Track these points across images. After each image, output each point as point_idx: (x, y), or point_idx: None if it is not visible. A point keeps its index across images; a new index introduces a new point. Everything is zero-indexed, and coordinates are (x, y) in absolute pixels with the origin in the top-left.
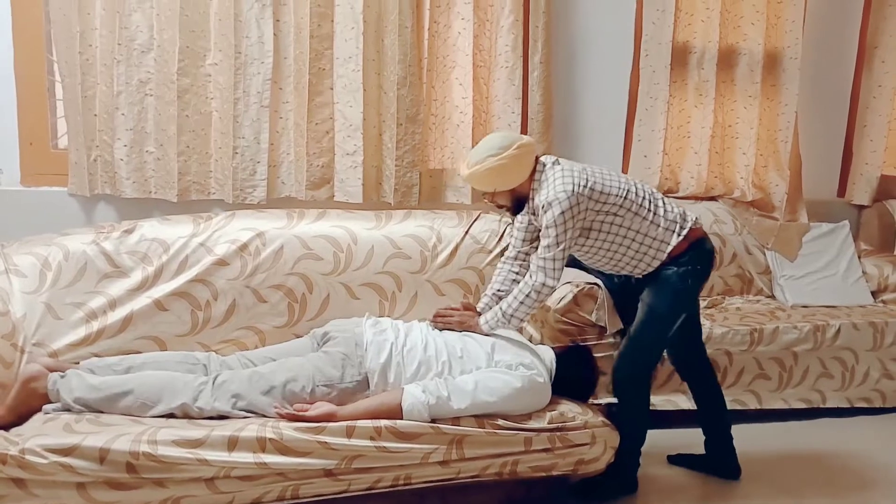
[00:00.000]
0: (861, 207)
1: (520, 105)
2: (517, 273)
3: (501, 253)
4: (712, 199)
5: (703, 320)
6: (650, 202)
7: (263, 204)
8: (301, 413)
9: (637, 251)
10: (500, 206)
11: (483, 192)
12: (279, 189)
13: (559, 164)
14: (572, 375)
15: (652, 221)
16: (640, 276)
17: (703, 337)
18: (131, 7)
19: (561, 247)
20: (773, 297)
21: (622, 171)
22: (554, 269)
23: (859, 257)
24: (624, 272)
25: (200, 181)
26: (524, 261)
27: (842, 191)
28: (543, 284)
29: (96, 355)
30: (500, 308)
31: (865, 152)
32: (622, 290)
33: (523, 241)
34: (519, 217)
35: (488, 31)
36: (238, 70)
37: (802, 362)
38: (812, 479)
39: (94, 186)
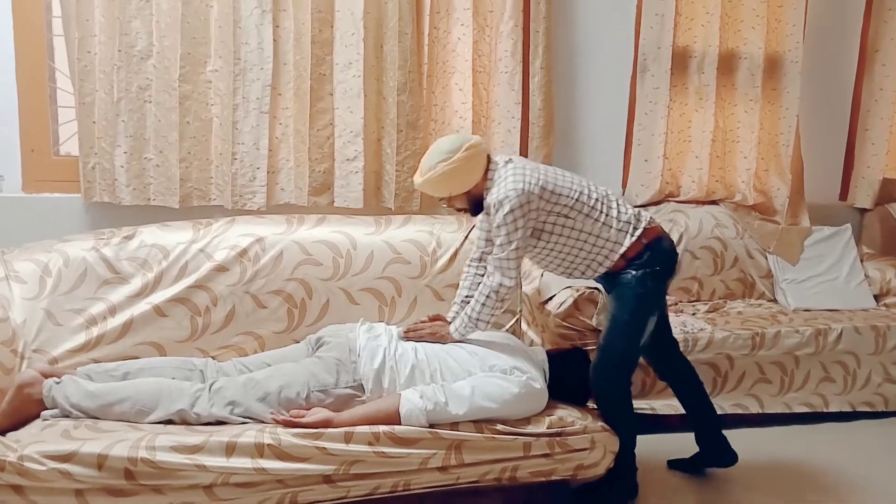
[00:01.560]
0: (863, 211)
1: (520, 110)
2: (483, 275)
3: None
4: (714, 203)
5: (704, 324)
6: (603, 204)
7: (263, 210)
8: (297, 419)
9: (589, 252)
10: (459, 210)
11: (440, 197)
12: (278, 195)
13: (511, 162)
14: (569, 378)
15: (604, 223)
16: (594, 279)
17: (705, 341)
18: (131, 14)
19: (513, 245)
20: (774, 300)
21: (623, 176)
22: (510, 269)
23: (861, 261)
24: (575, 275)
25: (201, 187)
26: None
27: (844, 194)
28: (500, 284)
29: (96, 361)
30: (466, 313)
31: (867, 156)
32: None
33: (486, 241)
34: (480, 217)
35: (488, 37)
36: (237, 76)
37: (804, 366)
38: (814, 484)
39: (93, 194)
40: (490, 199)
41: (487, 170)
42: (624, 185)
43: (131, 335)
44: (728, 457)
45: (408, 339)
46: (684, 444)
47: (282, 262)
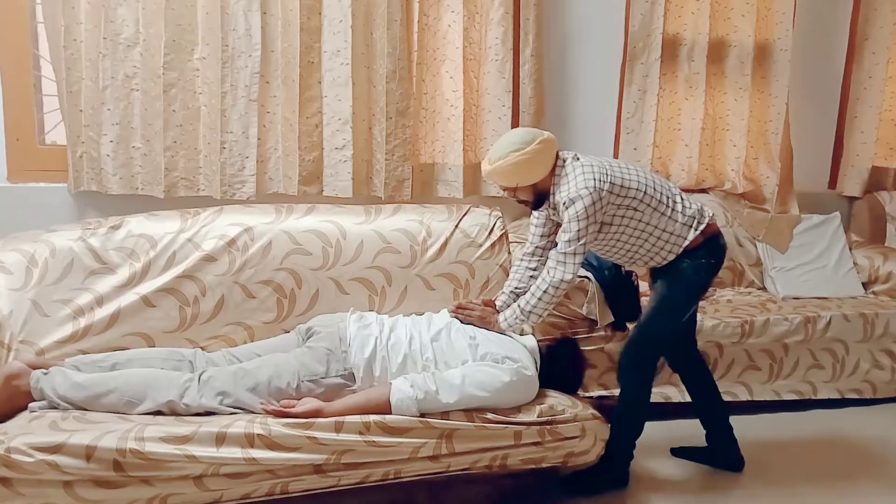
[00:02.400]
0: (852, 199)
1: (510, 98)
2: (534, 269)
3: (492, 246)
4: (703, 191)
5: None
6: (668, 198)
7: (253, 200)
8: (288, 409)
9: (654, 245)
10: (521, 202)
11: (504, 187)
12: (267, 185)
13: (579, 159)
14: (559, 369)
15: (670, 217)
16: (655, 267)
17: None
18: (116, 1)
19: (581, 241)
20: (764, 288)
21: None
22: (574, 264)
23: (850, 249)
24: (637, 265)
25: (189, 177)
26: (541, 256)
27: (833, 182)
28: (562, 280)
29: (83, 352)
30: (519, 305)
31: (856, 144)
32: (613, 284)
33: (540, 236)
34: (535, 213)
35: (478, 24)
36: (225, 63)
37: (793, 354)
38: (803, 470)
39: (80, 183)
40: (560, 196)
41: (555, 166)
42: None
43: (119, 326)
44: (736, 462)
45: (457, 315)
46: (676, 431)
47: (271, 252)
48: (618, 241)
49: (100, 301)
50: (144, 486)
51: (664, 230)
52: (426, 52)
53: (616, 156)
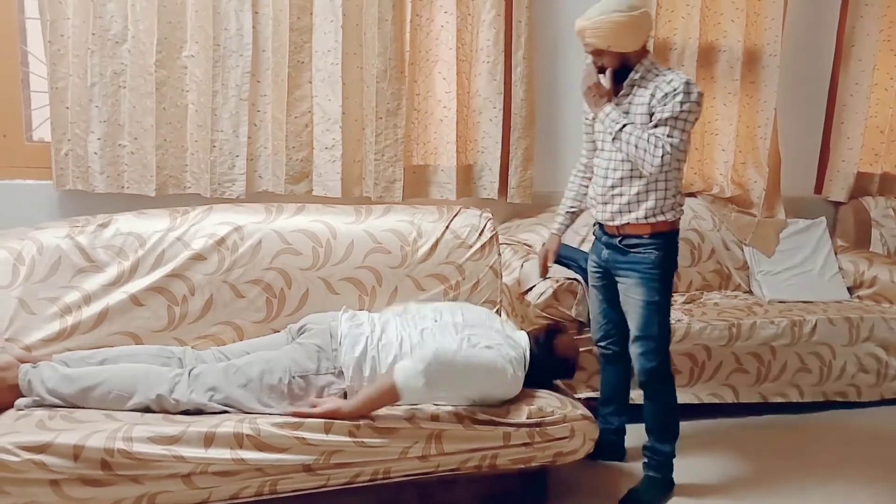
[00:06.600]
0: (838, 204)
1: (502, 100)
2: (587, 186)
3: (482, 248)
4: (691, 195)
5: (681, 315)
6: (682, 171)
7: (242, 198)
8: (312, 410)
9: (648, 190)
10: (601, 70)
11: (594, 48)
12: (257, 183)
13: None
14: (552, 357)
15: (678, 179)
16: (618, 229)
17: (682, 332)
18: None
19: (684, 137)
20: (750, 292)
21: None
22: (683, 149)
23: (836, 253)
24: (615, 206)
25: (176, 175)
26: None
27: (819, 187)
28: (672, 147)
29: (70, 351)
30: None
31: (842, 149)
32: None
33: (590, 150)
34: (586, 123)
35: (470, 26)
36: (217, 62)
37: (780, 357)
38: (787, 473)
39: (65, 181)
40: (671, 85)
41: (644, 49)
42: None
43: (107, 324)
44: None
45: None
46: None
47: (260, 252)
48: (625, 160)
49: (87, 299)
50: (133, 484)
51: (667, 182)
52: (419, 52)
53: None
